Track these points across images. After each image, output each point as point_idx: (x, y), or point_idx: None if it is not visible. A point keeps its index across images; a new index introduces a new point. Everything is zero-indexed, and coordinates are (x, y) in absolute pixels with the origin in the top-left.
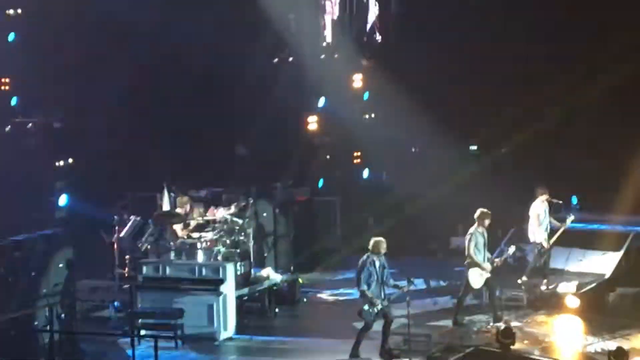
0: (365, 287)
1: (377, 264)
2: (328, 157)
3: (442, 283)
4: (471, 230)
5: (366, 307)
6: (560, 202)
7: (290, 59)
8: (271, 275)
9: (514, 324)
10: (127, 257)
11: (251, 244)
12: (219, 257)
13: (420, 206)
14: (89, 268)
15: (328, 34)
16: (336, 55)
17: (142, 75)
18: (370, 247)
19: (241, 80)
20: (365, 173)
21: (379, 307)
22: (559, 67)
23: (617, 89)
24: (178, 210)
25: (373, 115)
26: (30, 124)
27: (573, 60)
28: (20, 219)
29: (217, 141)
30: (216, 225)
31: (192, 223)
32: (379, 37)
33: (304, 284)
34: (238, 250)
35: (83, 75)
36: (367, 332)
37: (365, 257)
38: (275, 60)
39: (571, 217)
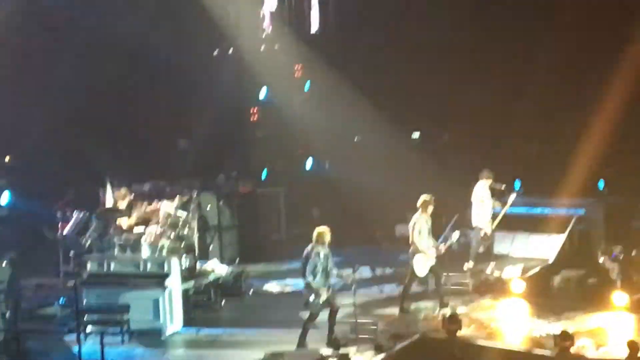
0: (310, 279)
1: (322, 254)
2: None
3: (387, 271)
4: (415, 217)
5: (312, 298)
6: (503, 185)
7: (230, 51)
8: (216, 267)
9: (460, 310)
10: (71, 253)
11: (195, 236)
12: (164, 252)
13: (364, 195)
14: (33, 265)
15: (267, 25)
16: (276, 47)
17: (81, 70)
18: (314, 237)
19: (182, 73)
20: (309, 163)
21: (324, 297)
22: (501, 50)
23: (559, 69)
24: (117, 203)
25: (315, 105)
26: None
27: (514, 40)
28: None
29: (159, 135)
30: (160, 219)
31: (136, 218)
32: (317, 27)
33: (249, 276)
34: (183, 244)
35: (20, 70)
36: (313, 321)
37: (309, 247)
38: (216, 52)
39: (513, 195)
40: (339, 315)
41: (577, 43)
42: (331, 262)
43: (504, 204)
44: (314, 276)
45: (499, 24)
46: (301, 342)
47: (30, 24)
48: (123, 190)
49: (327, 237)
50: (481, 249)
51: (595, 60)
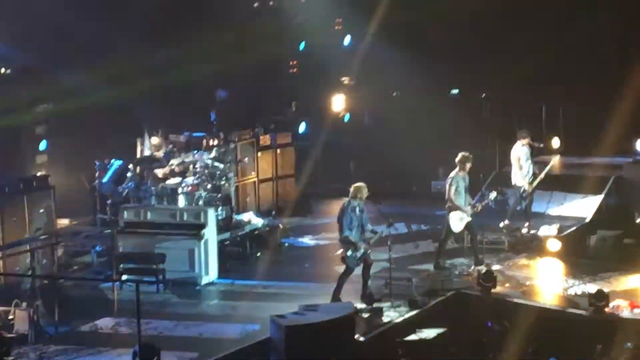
0: (347, 233)
1: (357, 209)
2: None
3: (423, 227)
4: (452, 174)
5: (349, 252)
6: (541, 144)
7: (271, 2)
8: (252, 219)
9: (495, 267)
10: (108, 201)
11: (232, 188)
12: (200, 202)
13: (401, 150)
14: (71, 213)
15: None
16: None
17: (123, 19)
18: (351, 192)
19: (222, 24)
20: (347, 117)
21: (361, 251)
22: (542, 9)
23: (596, 32)
24: (154, 153)
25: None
26: (8, 69)
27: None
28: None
29: (198, 85)
30: (197, 169)
31: (173, 167)
32: None
33: (285, 229)
34: (219, 195)
35: (65, 20)
36: (349, 276)
37: (345, 202)
38: (256, 4)
39: (555, 158)
40: (373, 270)
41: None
42: (365, 216)
43: (544, 164)
44: (351, 230)
45: None
46: (336, 296)
47: None
48: (160, 140)
49: (364, 193)
50: (518, 208)
51: (635, 19)
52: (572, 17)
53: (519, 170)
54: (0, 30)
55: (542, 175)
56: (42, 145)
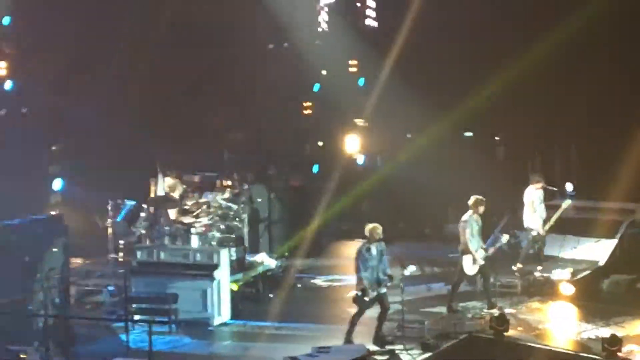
0: (362, 274)
1: (374, 250)
2: (321, 144)
3: (436, 269)
4: (465, 217)
5: (359, 293)
6: (556, 188)
7: (286, 44)
8: (265, 260)
9: (507, 310)
10: (121, 241)
11: (246, 229)
12: (214, 243)
13: (414, 192)
14: (84, 253)
15: (323, 19)
16: (332, 41)
17: (138, 60)
18: (366, 233)
19: (237, 66)
20: (361, 159)
21: (374, 293)
22: (553, 54)
23: (612, 76)
24: (168, 193)
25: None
26: (25, 109)
27: (564, 45)
28: (14, 203)
29: (212, 126)
30: (210, 210)
31: (187, 208)
32: (374, 23)
33: (298, 270)
34: (232, 236)
35: (73, 60)
36: (360, 317)
37: (362, 244)
38: (271, 46)
39: (567, 202)
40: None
41: (630, 43)
42: (385, 258)
43: (556, 207)
44: (365, 271)
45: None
46: (348, 338)
47: (89, 9)
48: (174, 181)
49: (378, 233)
50: (531, 251)
51: None
52: (586, 59)
53: (532, 214)
54: (17, 69)
55: (554, 218)
56: (58, 184)
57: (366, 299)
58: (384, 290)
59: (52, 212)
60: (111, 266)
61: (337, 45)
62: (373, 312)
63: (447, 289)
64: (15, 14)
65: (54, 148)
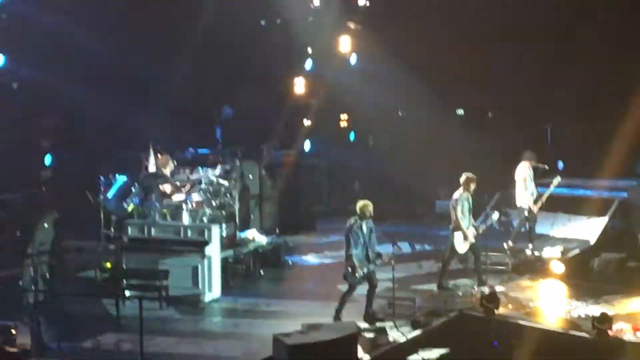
0: (352, 252)
1: (365, 227)
2: (309, 122)
3: (427, 247)
4: (456, 195)
5: (350, 269)
6: (546, 166)
7: (278, 21)
8: (256, 237)
9: (498, 288)
10: (112, 217)
11: (237, 206)
12: (205, 219)
13: (406, 170)
14: (75, 228)
15: None
16: (324, 18)
17: (129, 35)
18: (357, 210)
19: (229, 42)
20: (352, 136)
21: (365, 270)
22: (544, 30)
23: (603, 48)
24: (160, 169)
25: (360, 79)
26: (16, 83)
27: (558, 20)
28: (5, 178)
29: (204, 102)
30: (202, 186)
31: (178, 184)
32: (366, 1)
33: (288, 247)
34: (223, 212)
35: (70, 35)
36: (351, 295)
37: (352, 220)
38: (263, 22)
39: (557, 179)
40: (378, 290)
41: (622, 22)
42: (374, 236)
43: (547, 185)
44: (356, 249)
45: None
46: (338, 315)
47: None
48: (166, 157)
49: (370, 210)
50: (522, 229)
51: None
52: (577, 38)
53: (523, 192)
54: (8, 44)
55: (545, 196)
56: (48, 159)
57: (357, 275)
58: (373, 267)
59: (43, 188)
60: (102, 242)
61: (328, 22)
62: (363, 289)
63: (437, 266)
64: None
65: (44, 123)
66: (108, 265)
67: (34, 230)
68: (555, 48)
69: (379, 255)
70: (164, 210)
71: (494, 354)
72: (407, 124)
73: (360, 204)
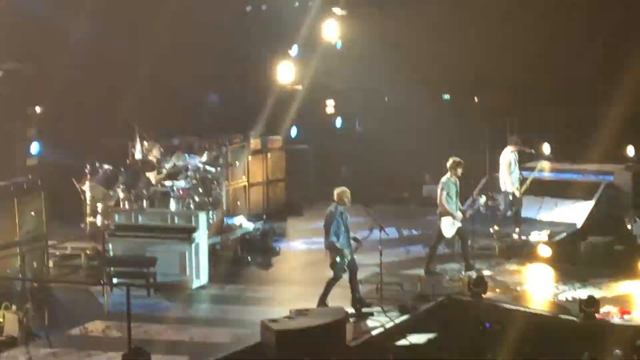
0: (335, 239)
1: (343, 214)
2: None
3: (414, 232)
4: (443, 179)
5: (338, 259)
6: (532, 150)
7: (264, 7)
8: (243, 223)
9: (485, 273)
10: (99, 205)
11: (224, 192)
12: (192, 206)
13: (393, 155)
14: (61, 216)
15: None
16: (310, 3)
17: (111, 22)
18: (335, 197)
19: (214, 28)
20: (339, 122)
21: (349, 257)
22: (531, 15)
23: (589, 34)
24: (146, 156)
25: (346, 64)
26: (0, 72)
27: (545, 7)
28: None
29: (189, 89)
30: (189, 173)
31: (165, 171)
32: None
33: (276, 233)
34: (210, 199)
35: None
36: (336, 282)
37: (333, 207)
38: (249, 8)
39: (542, 163)
40: (365, 275)
41: (606, 9)
42: (349, 223)
43: (532, 169)
44: (337, 237)
45: None
46: (322, 301)
47: None
48: (152, 144)
49: (348, 197)
50: (509, 213)
51: (625, 25)
52: (564, 22)
53: (508, 176)
54: None
55: (530, 180)
56: (34, 148)
57: (344, 263)
58: (352, 253)
59: (29, 176)
60: (89, 229)
61: (314, 7)
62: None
63: (425, 251)
64: None
65: (29, 111)
66: (95, 252)
67: (20, 219)
68: (543, 32)
69: (356, 240)
70: (151, 197)
71: (482, 338)
72: (393, 109)
73: (338, 190)
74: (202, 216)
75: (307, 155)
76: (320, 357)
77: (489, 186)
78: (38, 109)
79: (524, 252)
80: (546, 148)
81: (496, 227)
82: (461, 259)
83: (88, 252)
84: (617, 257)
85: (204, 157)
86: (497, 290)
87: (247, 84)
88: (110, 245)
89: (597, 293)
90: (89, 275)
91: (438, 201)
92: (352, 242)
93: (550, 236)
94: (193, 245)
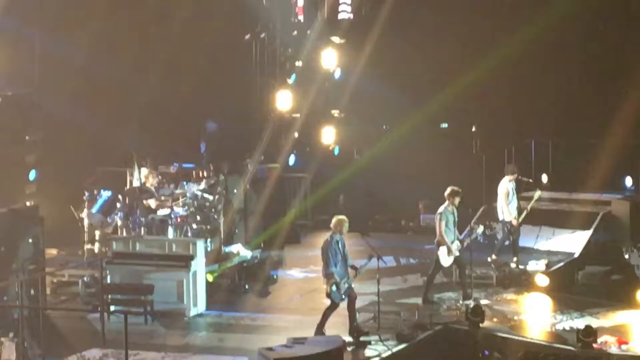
0: (333, 269)
1: (340, 243)
2: (296, 134)
3: (411, 261)
4: (441, 208)
5: (334, 288)
6: (530, 179)
7: (262, 35)
8: (241, 251)
9: (483, 302)
10: (97, 232)
11: (221, 220)
12: (189, 234)
13: (391, 183)
14: (59, 243)
15: (300, 10)
16: (308, 32)
17: (103, 49)
18: (332, 226)
19: (213, 56)
20: (337, 150)
21: (346, 286)
22: (526, 48)
23: (585, 65)
24: (144, 184)
25: (344, 93)
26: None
27: (540, 38)
28: None
29: (187, 117)
30: (186, 201)
31: (162, 199)
32: (350, 15)
33: (273, 261)
34: (208, 227)
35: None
36: (334, 311)
37: (329, 237)
38: (247, 36)
39: (538, 192)
40: (362, 304)
41: (602, 38)
42: (346, 251)
43: (529, 198)
44: (336, 265)
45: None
46: (319, 330)
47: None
48: (150, 171)
49: (346, 226)
50: (506, 242)
51: (623, 54)
52: (561, 51)
53: (506, 205)
54: None
55: (528, 209)
56: (32, 175)
57: (341, 292)
58: (351, 281)
59: (27, 203)
60: (87, 257)
61: (313, 36)
62: (345, 303)
63: (422, 280)
64: None
65: (28, 138)
66: (92, 280)
67: (18, 246)
68: (540, 60)
69: (354, 268)
70: (149, 225)
71: None
72: (391, 137)
73: (335, 219)
74: (200, 244)
75: (305, 183)
76: None
77: (487, 215)
78: (39, 136)
79: (522, 282)
80: (544, 178)
81: (494, 256)
82: (459, 288)
83: (86, 279)
84: (615, 286)
85: (202, 185)
86: (495, 319)
87: (246, 112)
88: (107, 273)
89: (594, 323)
90: (87, 303)
91: (437, 231)
92: (349, 270)
93: (547, 265)
94: (191, 273)
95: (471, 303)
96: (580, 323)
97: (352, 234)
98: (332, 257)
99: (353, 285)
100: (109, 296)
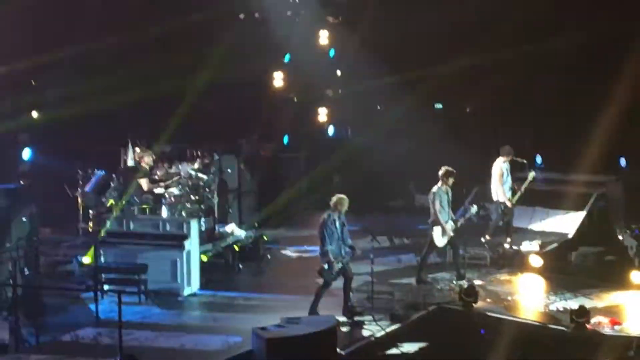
0: (328, 247)
1: (338, 222)
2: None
3: (405, 241)
4: (435, 188)
5: (326, 266)
6: (524, 160)
7: (257, 15)
8: (235, 231)
9: (476, 282)
10: (91, 211)
11: (215, 200)
12: (183, 213)
13: (385, 164)
14: (53, 222)
15: None
16: (302, 12)
17: (105, 30)
18: (332, 204)
19: (207, 36)
20: (331, 130)
21: (339, 265)
22: (522, 25)
23: (581, 44)
24: (139, 164)
25: (339, 73)
26: None
27: (536, 16)
28: None
29: (182, 96)
30: (181, 180)
31: (156, 178)
32: None
33: (268, 240)
34: (202, 206)
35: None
36: (327, 289)
37: (326, 215)
38: (242, 16)
39: (532, 173)
40: (356, 284)
41: (599, 19)
42: (346, 229)
43: (523, 179)
44: (331, 244)
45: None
46: (313, 310)
47: None
48: (144, 151)
49: (345, 205)
50: (500, 223)
51: (618, 35)
52: (557, 32)
53: (500, 186)
54: None
55: (522, 190)
56: (26, 154)
57: (333, 272)
58: (347, 261)
59: (21, 182)
60: (81, 236)
61: (307, 16)
62: (339, 283)
63: (416, 260)
64: None
65: (23, 117)
66: (86, 259)
67: (11, 225)
68: (535, 43)
69: (352, 248)
70: (143, 205)
71: (473, 347)
72: (386, 117)
73: (335, 198)
74: (194, 223)
75: (299, 163)
76: None
77: (480, 196)
78: (35, 114)
79: (515, 262)
80: (538, 158)
81: (488, 237)
82: (452, 268)
83: (79, 258)
84: (608, 267)
85: (196, 165)
86: (488, 299)
87: (240, 91)
88: (101, 252)
89: (588, 303)
90: (81, 282)
91: (431, 210)
92: (347, 249)
93: (541, 246)
94: (184, 253)
95: (465, 283)
96: (573, 304)
97: (348, 214)
98: (328, 235)
99: (349, 265)
100: (103, 275)
